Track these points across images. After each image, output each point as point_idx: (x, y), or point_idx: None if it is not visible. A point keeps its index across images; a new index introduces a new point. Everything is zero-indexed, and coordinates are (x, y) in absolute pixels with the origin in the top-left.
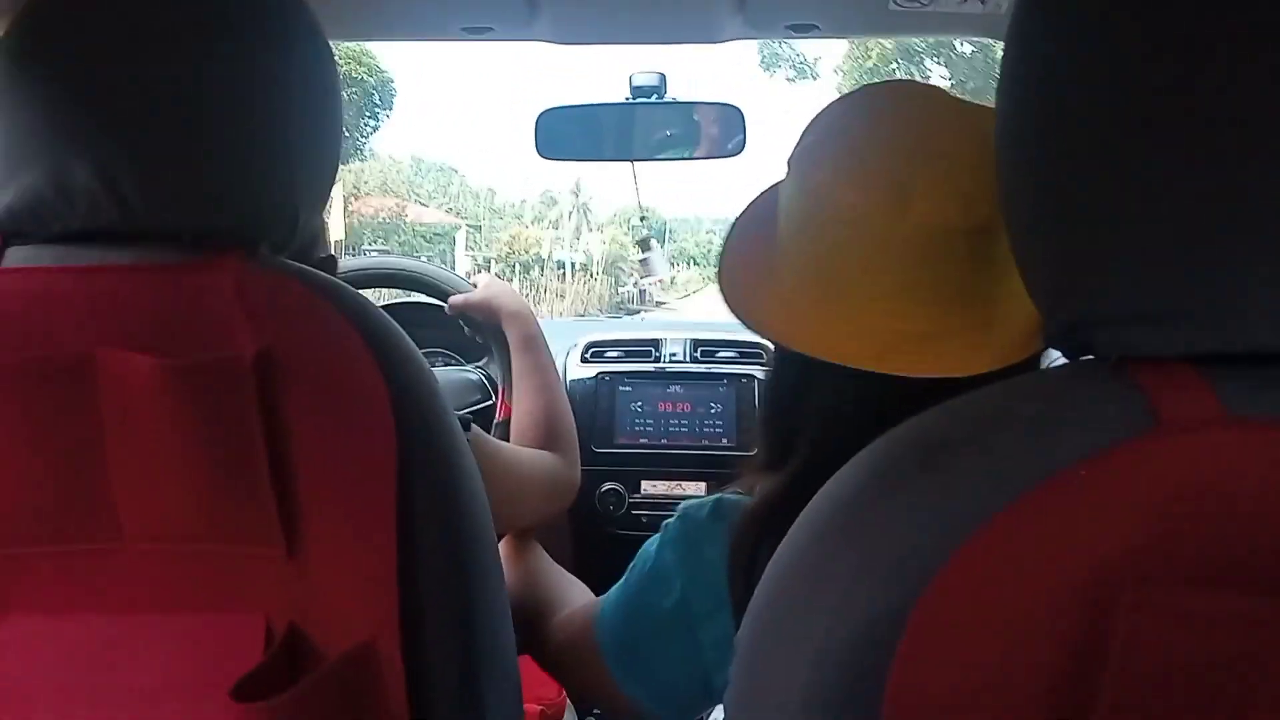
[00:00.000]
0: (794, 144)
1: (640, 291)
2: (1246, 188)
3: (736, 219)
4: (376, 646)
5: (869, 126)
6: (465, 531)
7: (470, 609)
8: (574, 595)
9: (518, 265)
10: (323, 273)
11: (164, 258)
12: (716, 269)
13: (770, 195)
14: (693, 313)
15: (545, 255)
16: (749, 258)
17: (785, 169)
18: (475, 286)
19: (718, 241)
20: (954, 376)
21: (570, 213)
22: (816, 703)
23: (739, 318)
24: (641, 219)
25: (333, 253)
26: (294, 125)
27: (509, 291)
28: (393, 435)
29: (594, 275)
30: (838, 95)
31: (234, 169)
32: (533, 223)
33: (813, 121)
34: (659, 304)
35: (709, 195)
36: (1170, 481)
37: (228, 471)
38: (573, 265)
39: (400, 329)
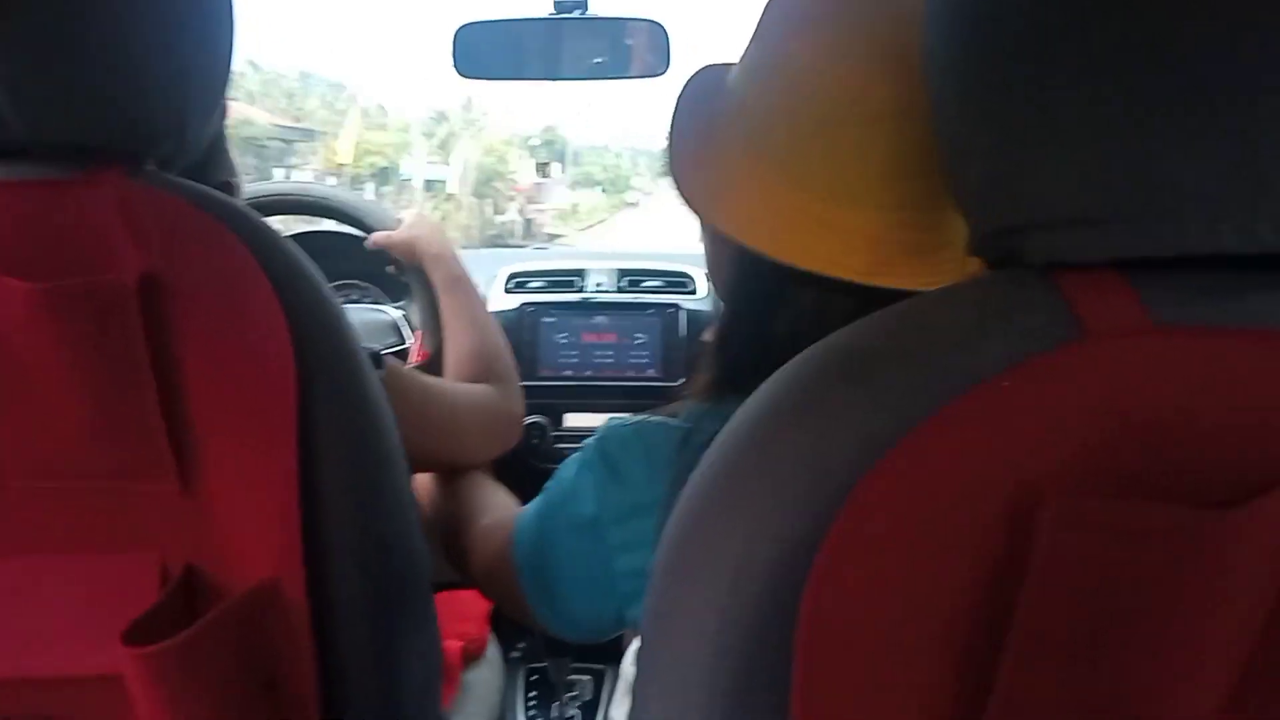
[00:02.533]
0: (762, 17)
1: (526, 221)
2: (1178, 88)
3: (675, 109)
4: (280, 583)
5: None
6: (371, 462)
7: (380, 542)
8: (497, 503)
9: (350, 179)
10: (214, 191)
11: (43, 174)
12: (666, 162)
13: (712, 79)
14: (594, 246)
15: (392, 164)
16: (705, 157)
17: (752, 44)
18: (399, 221)
19: (625, 167)
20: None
21: (454, 133)
22: (731, 627)
23: (703, 218)
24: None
25: (236, 179)
26: (177, 31)
27: (433, 231)
28: (291, 363)
29: (458, 197)
30: None
31: (111, 77)
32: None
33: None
34: (552, 237)
35: (619, 120)
36: (1093, 392)
37: (114, 403)
38: (429, 183)
39: (301, 253)
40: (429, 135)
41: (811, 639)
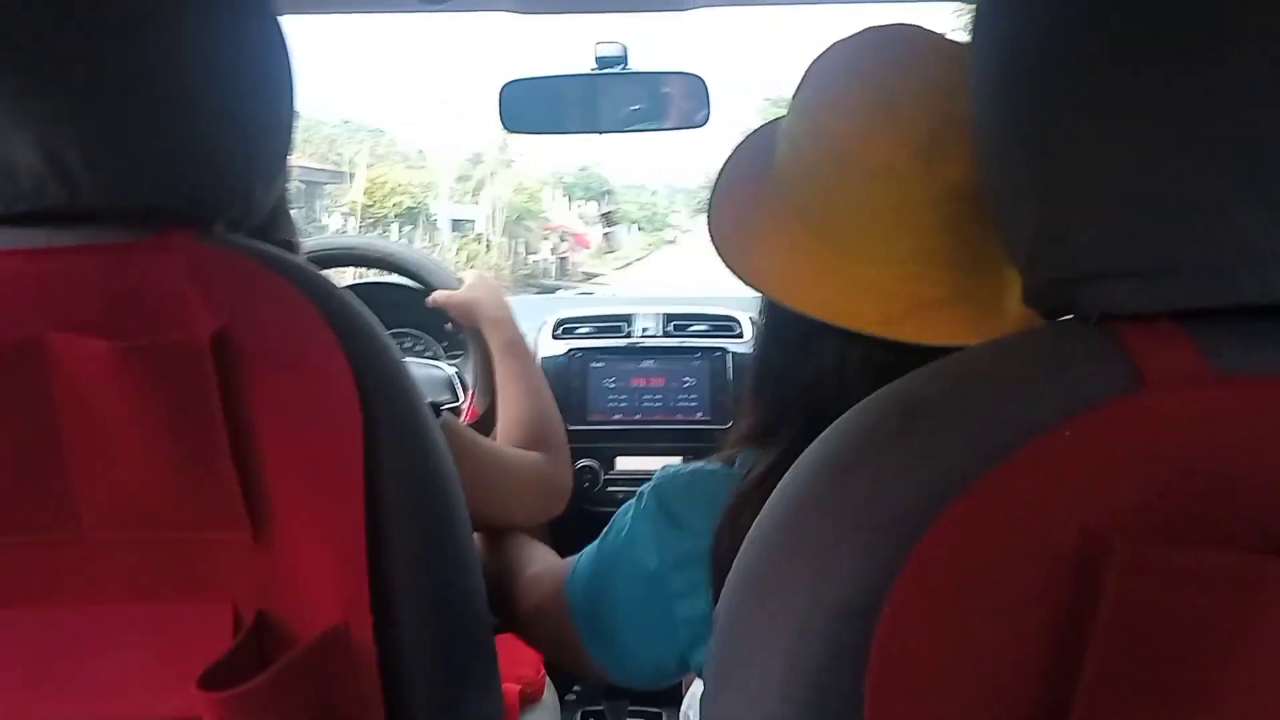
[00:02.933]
0: (799, 85)
1: (560, 260)
2: (1233, 140)
3: (724, 163)
4: (349, 629)
5: (893, 75)
6: (436, 509)
7: (444, 588)
8: (542, 556)
9: (376, 220)
10: (280, 250)
11: (114, 237)
12: (707, 217)
13: (762, 139)
14: (632, 288)
15: (419, 204)
16: (741, 208)
17: (789, 112)
18: (461, 281)
19: (662, 205)
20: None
21: (492, 173)
22: (799, 675)
23: (735, 273)
24: (607, 193)
25: (295, 238)
26: (244, 99)
27: (494, 293)
28: (358, 413)
29: (486, 238)
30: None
31: (182, 144)
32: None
33: (819, 62)
34: (589, 277)
35: (655, 160)
36: (1156, 440)
37: (188, 456)
38: (456, 223)
39: (364, 307)
40: (465, 178)
41: (881, 689)
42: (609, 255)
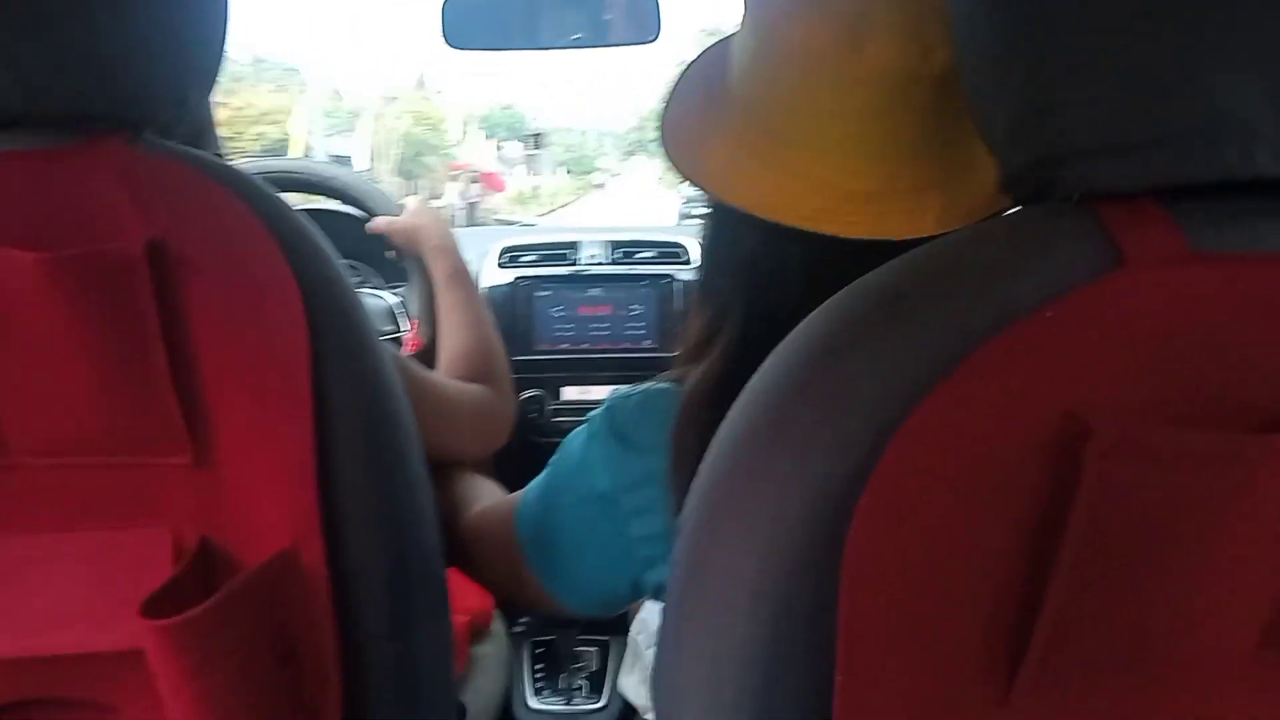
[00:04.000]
0: None
1: (469, 205)
2: (1216, 16)
3: (686, 66)
4: (298, 553)
5: None
6: (386, 431)
7: (395, 510)
8: (489, 491)
9: (236, 155)
10: (221, 160)
11: (40, 144)
12: (658, 120)
13: (721, 47)
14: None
15: (287, 136)
16: (694, 107)
17: (742, 10)
18: (403, 207)
19: (590, 147)
20: (897, 240)
21: (393, 99)
22: (771, 573)
23: (676, 168)
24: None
25: (221, 151)
26: (175, 3)
27: (436, 221)
28: (304, 329)
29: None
30: None
31: (110, 46)
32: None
33: None
34: (505, 223)
35: (582, 101)
36: (1136, 321)
37: (123, 375)
38: (334, 159)
39: (311, 223)
40: (335, 111)
41: (857, 578)
42: (533, 197)
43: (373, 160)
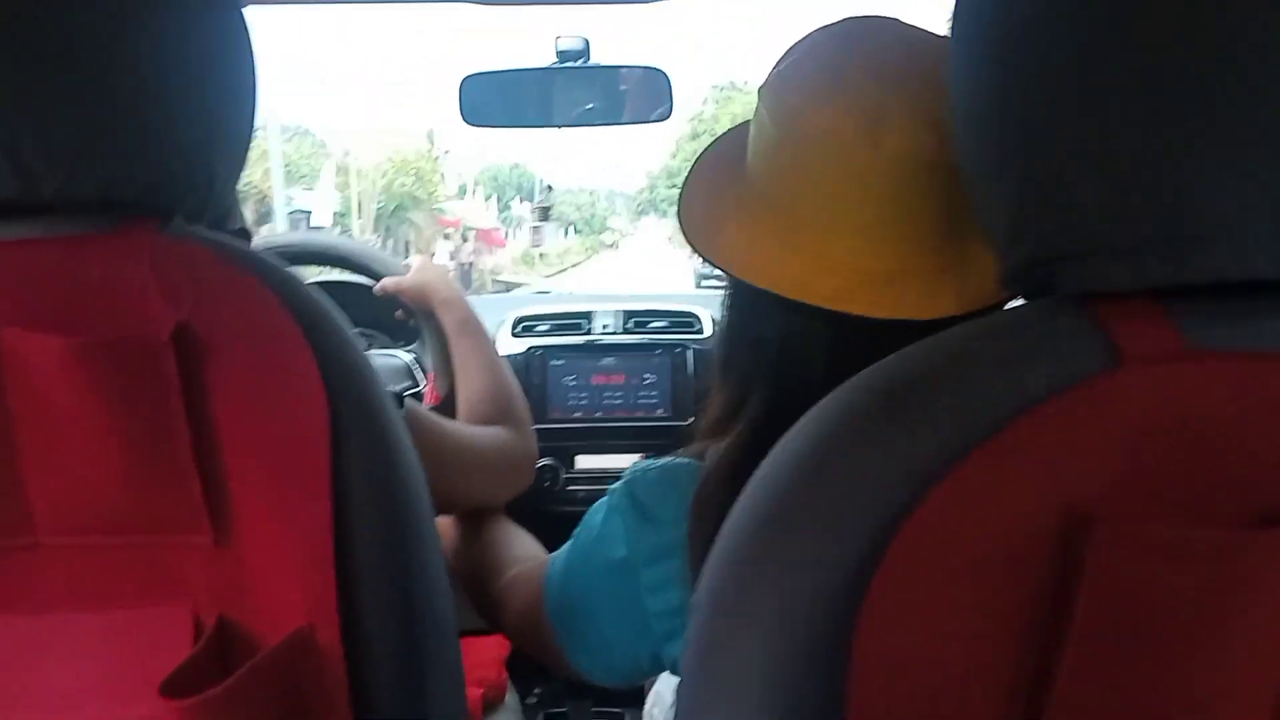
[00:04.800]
0: (769, 72)
1: (464, 266)
2: (1209, 119)
3: (704, 150)
4: (314, 632)
5: (845, 53)
6: (402, 509)
7: (410, 588)
8: (525, 553)
9: None
10: (241, 243)
11: (72, 230)
12: (679, 201)
13: (742, 129)
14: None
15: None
16: (713, 190)
17: (758, 97)
18: (408, 268)
19: (600, 208)
20: (918, 320)
21: (347, 153)
22: (780, 661)
23: (695, 248)
24: (549, 188)
25: (247, 226)
26: (205, 89)
27: (441, 276)
28: (325, 411)
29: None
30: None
31: (141, 134)
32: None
33: (789, 49)
34: (508, 288)
35: (592, 161)
36: (1134, 416)
37: (148, 456)
38: (293, 215)
39: (329, 302)
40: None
41: (866, 668)
42: (539, 258)
43: (342, 216)
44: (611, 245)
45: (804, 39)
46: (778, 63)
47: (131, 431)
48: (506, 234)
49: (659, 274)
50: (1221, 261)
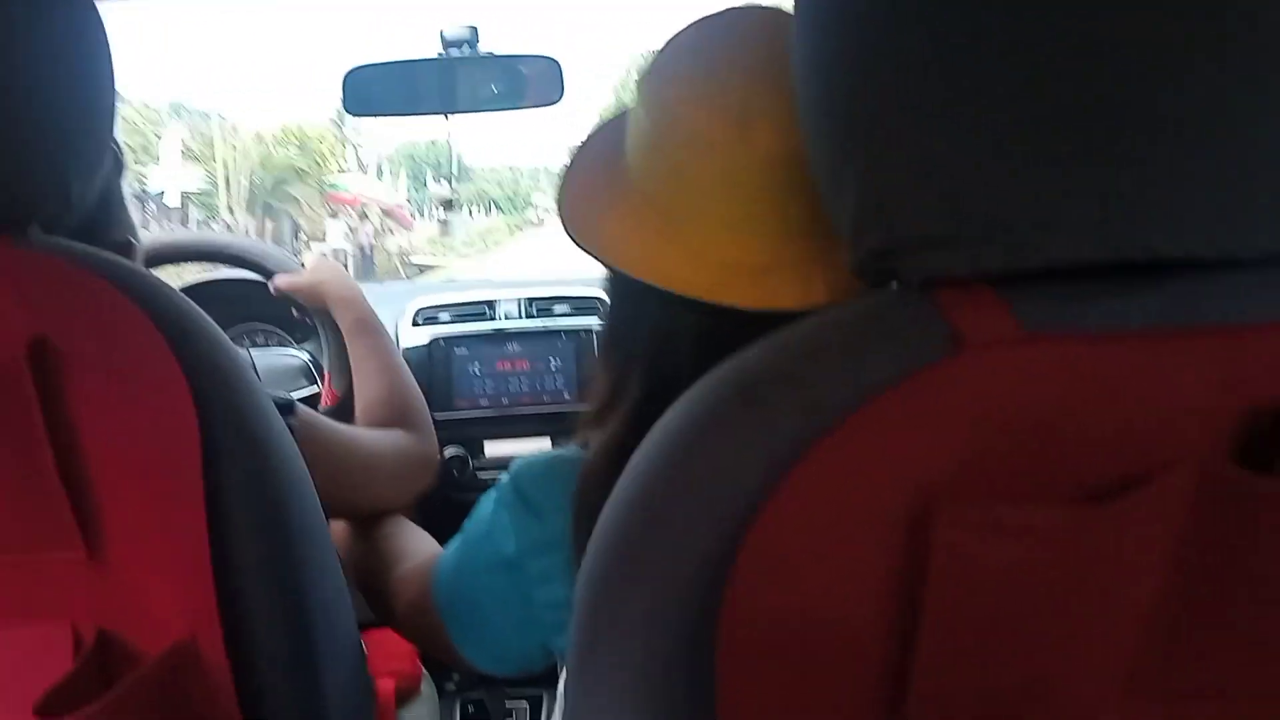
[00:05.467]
0: (647, 63)
1: (362, 250)
2: (1040, 114)
3: (582, 142)
4: (197, 643)
5: (717, 48)
6: (286, 516)
7: (299, 594)
8: (415, 548)
9: None
10: (101, 251)
11: None
12: (558, 195)
13: (619, 120)
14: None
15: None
16: (593, 181)
17: (636, 89)
18: (303, 265)
19: (524, 185)
20: (790, 310)
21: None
22: (655, 651)
23: (576, 241)
24: (449, 177)
25: (133, 237)
26: (55, 92)
27: (338, 274)
28: (194, 423)
29: (220, 212)
30: None
31: None
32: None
33: (668, 41)
34: (422, 269)
35: (512, 137)
36: (974, 400)
37: (11, 474)
38: (158, 197)
39: (198, 310)
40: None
41: (730, 655)
42: (484, 233)
43: (205, 195)
44: (537, 223)
45: (683, 30)
46: (656, 54)
47: None
48: (416, 213)
49: (584, 256)
50: (1051, 248)
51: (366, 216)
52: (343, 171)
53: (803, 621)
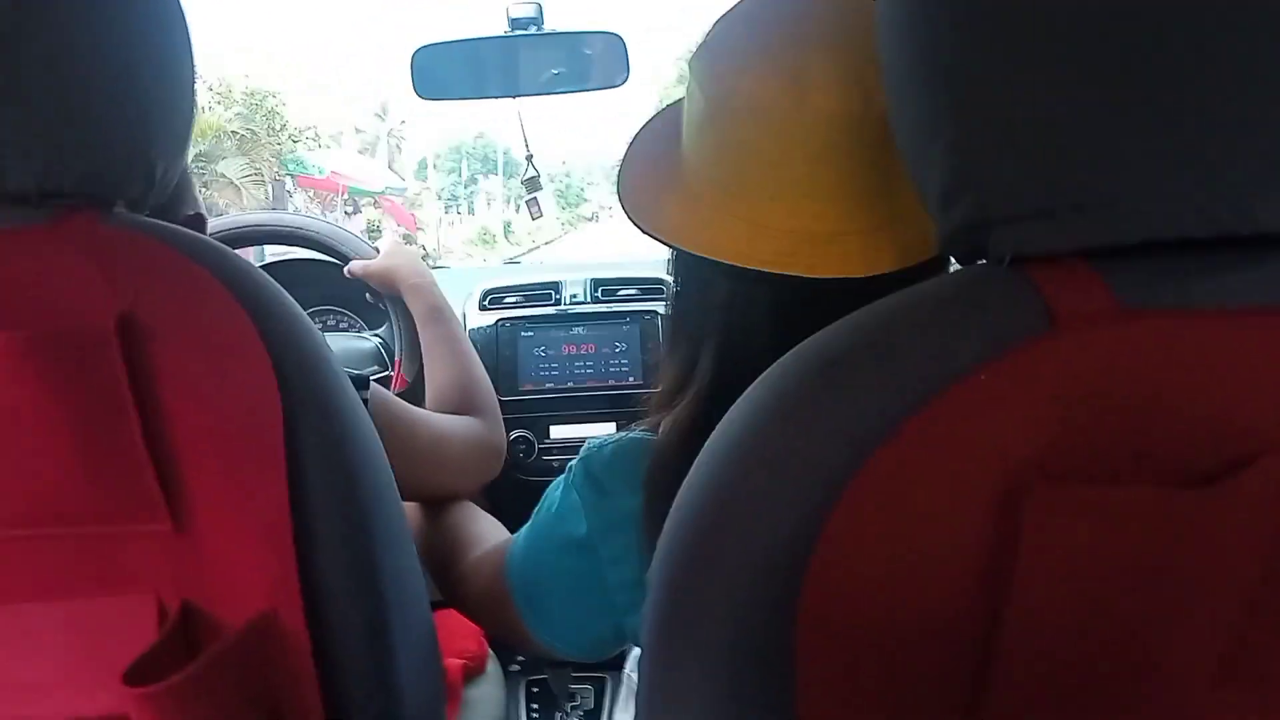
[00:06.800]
0: (698, 43)
1: None
2: (1133, 84)
3: (639, 129)
4: (278, 615)
5: (768, 17)
6: (362, 489)
7: (375, 567)
8: (487, 534)
9: None
10: (182, 229)
11: (9, 224)
12: (618, 178)
13: (677, 105)
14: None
15: None
16: (652, 165)
17: (688, 69)
18: (377, 250)
19: (576, 182)
20: (861, 278)
21: (378, 142)
22: (732, 632)
23: (635, 222)
24: (528, 157)
25: (201, 210)
26: (140, 75)
27: (411, 259)
28: (276, 395)
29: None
30: None
31: (77, 121)
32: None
33: (718, 19)
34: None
35: (565, 132)
36: (1068, 378)
37: (100, 447)
38: None
39: (277, 285)
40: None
41: (810, 638)
42: (506, 236)
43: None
44: (591, 218)
45: (732, 8)
46: (706, 33)
47: (81, 423)
48: (460, 209)
49: (641, 247)
50: (1150, 222)
51: (358, 208)
52: (321, 147)
53: (886, 608)
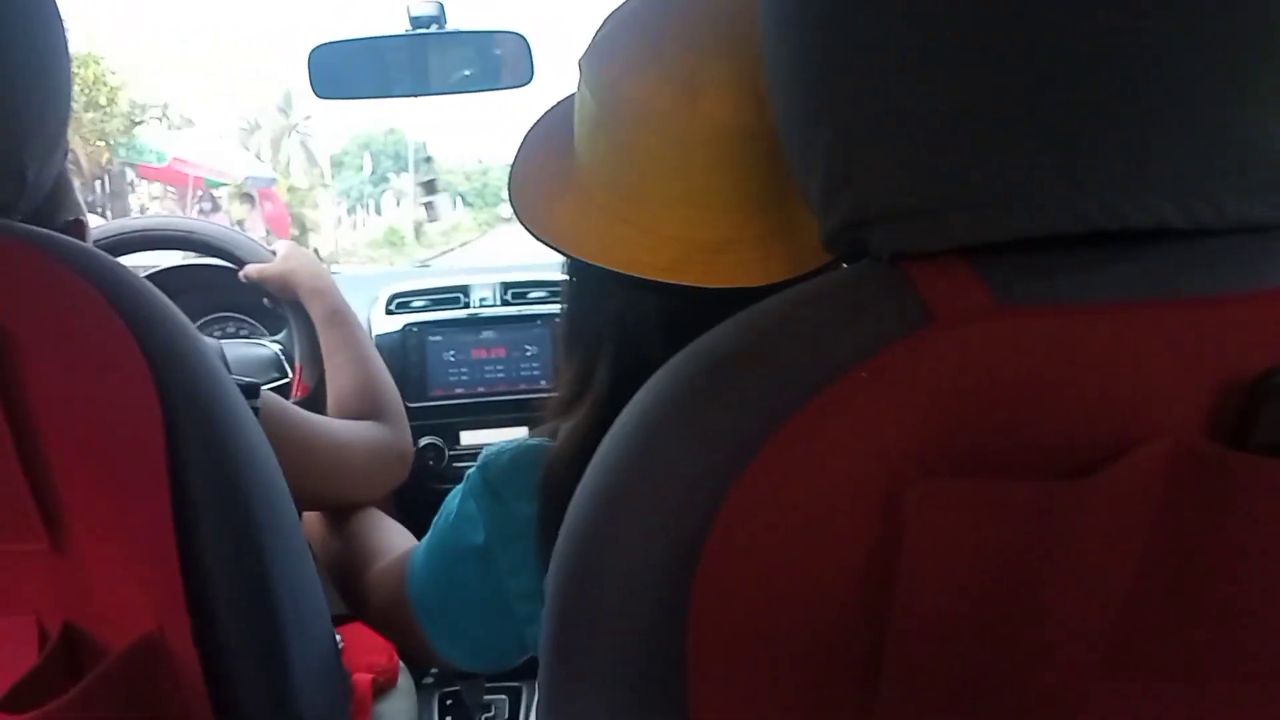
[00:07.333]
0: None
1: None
2: (1004, 85)
3: (530, 128)
4: (165, 635)
5: (659, 20)
6: (252, 501)
7: (267, 582)
8: (392, 543)
9: None
10: (58, 235)
11: None
12: (509, 183)
13: (568, 103)
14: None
15: None
16: (543, 167)
17: (578, 69)
18: (274, 253)
19: (493, 181)
20: (751, 286)
21: (281, 138)
22: (625, 639)
23: (526, 226)
24: (426, 159)
25: (82, 216)
26: (10, 73)
27: (310, 262)
28: (157, 409)
29: None
30: None
31: None
32: None
33: (607, 16)
34: None
35: (473, 129)
36: (945, 374)
37: None
38: None
39: (160, 295)
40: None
41: (702, 643)
42: (417, 237)
43: None
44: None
45: (621, 5)
46: (595, 31)
47: None
48: (365, 207)
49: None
50: (1023, 218)
51: (216, 203)
52: (172, 129)
53: (775, 610)
